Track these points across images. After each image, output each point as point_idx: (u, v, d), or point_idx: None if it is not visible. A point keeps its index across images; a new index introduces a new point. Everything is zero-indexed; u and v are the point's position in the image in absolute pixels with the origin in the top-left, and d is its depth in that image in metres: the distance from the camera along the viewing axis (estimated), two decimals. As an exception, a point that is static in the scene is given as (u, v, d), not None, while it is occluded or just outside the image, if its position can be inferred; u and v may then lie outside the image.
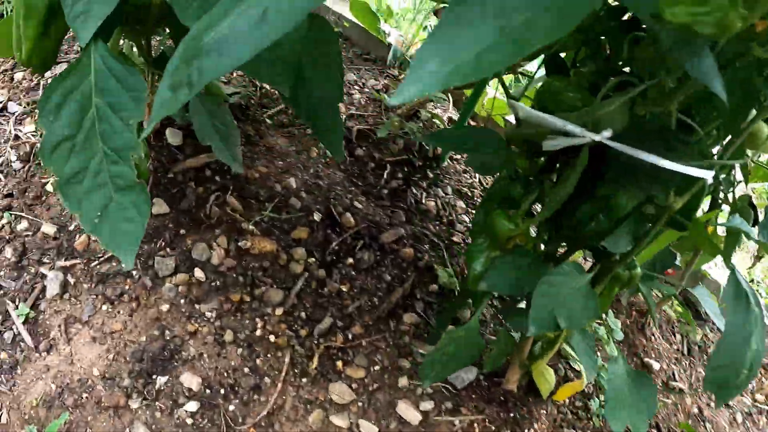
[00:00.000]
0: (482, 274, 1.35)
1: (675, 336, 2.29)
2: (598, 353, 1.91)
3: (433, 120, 2.34)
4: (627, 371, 1.41)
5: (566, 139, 1.11)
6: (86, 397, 1.53)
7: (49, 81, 1.19)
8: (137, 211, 1.12)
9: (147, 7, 1.45)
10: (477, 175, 2.35)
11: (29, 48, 1.41)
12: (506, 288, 1.36)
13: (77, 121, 1.13)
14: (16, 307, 1.66)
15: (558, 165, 1.44)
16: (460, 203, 2.22)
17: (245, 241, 1.75)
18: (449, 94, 2.41)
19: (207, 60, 0.69)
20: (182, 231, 1.76)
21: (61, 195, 1.12)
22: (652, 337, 2.19)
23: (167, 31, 1.82)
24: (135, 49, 1.73)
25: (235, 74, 2.23)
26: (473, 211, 2.22)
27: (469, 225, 2.15)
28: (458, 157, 2.36)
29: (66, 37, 1.47)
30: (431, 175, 2.21)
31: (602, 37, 1.32)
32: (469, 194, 2.28)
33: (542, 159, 1.44)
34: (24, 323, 1.63)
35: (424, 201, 2.13)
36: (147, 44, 1.69)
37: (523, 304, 1.61)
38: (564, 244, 1.48)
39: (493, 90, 2.32)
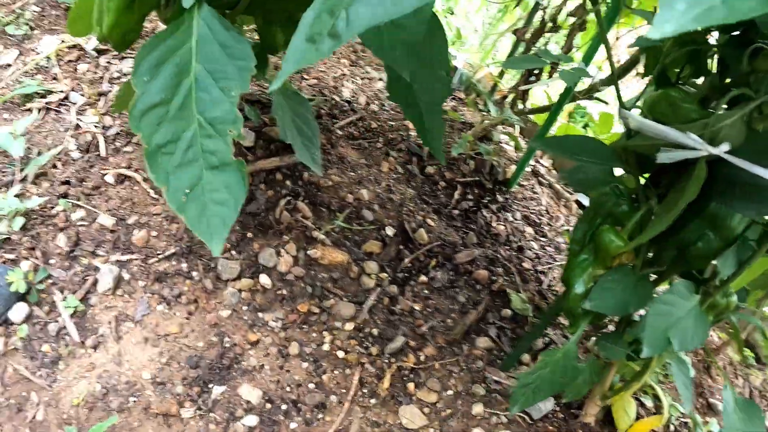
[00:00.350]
0: (586, 293, 1.26)
1: (737, 378, 2.14)
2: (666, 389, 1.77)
3: (504, 145, 2.24)
4: (736, 400, 1.28)
5: (682, 152, 1.03)
6: (134, 402, 1.40)
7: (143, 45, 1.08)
8: (230, 194, 1.01)
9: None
10: (544, 202, 2.24)
11: (111, 22, 1.32)
12: (611, 308, 1.25)
13: (174, 85, 1.02)
14: (64, 299, 1.54)
15: (662, 181, 1.34)
16: (529, 230, 2.10)
17: (315, 250, 1.63)
18: (521, 117, 2.32)
19: (353, 9, 0.68)
20: (249, 234, 1.64)
21: (147, 165, 1.00)
22: (717, 378, 2.04)
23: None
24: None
25: (305, 83, 2.14)
26: (542, 239, 2.11)
27: (539, 252, 2.03)
28: (525, 182, 2.25)
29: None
30: (500, 199, 2.10)
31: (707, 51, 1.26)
32: (537, 221, 2.16)
33: (646, 174, 1.35)
34: (71, 316, 1.51)
35: (494, 224, 2.01)
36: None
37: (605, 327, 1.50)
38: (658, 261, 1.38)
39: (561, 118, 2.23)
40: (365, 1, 0.68)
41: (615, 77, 1.29)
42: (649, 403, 1.74)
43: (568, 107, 2.16)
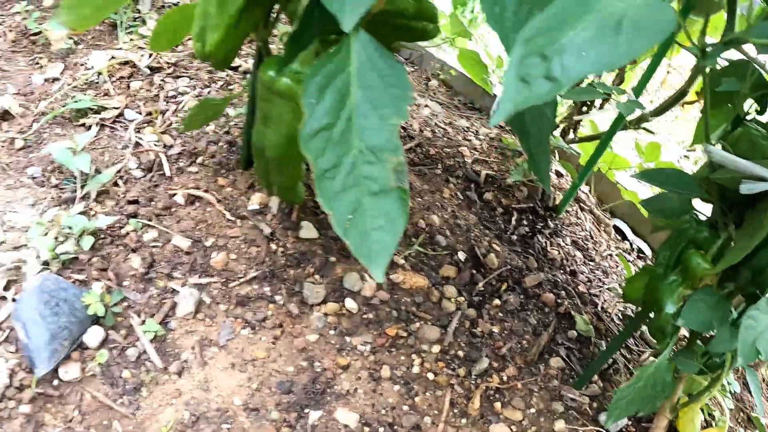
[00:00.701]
0: (677, 312, 1.38)
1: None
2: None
3: (556, 171, 2.29)
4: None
5: (763, 184, 1.14)
6: (228, 429, 1.37)
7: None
8: (389, 221, 1.01)
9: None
10: (587, 228, 2.28)
11: (218, 38, 1.32)
12: (700, 325, 1.35)
13: (336, 109, 1.03)
14: (143, 322, 1.51)
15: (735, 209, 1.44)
16: (579, 254, 2.14)
17: (397, 274, 1.64)
18: (572, 145, 2.36)
19: (569, 58, 0.74)
20: (332, 258, 1.64)
21: (317, 188, 1.00)
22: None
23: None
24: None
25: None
26: (590, 263, 2.15)
27: (590, 276, 2.07)
28: (569, 209, 2.30)
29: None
30: (552, 225, 2.13)
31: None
32: (584, 246, 2.20)
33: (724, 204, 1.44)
34: (152, 341, 1.48)
35: (549, 249, 2.04)
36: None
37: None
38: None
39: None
40: (575, 55, 0.74)
41: (707, 114, 1.35)
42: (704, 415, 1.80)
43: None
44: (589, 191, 2.43)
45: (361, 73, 1.04)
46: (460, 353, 1.58)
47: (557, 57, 0.74)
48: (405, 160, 1.43)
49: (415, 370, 1.52)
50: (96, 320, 1.49)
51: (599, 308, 1.94)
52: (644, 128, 2.07)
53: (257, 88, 1.39)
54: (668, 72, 2.01)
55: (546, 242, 2.06)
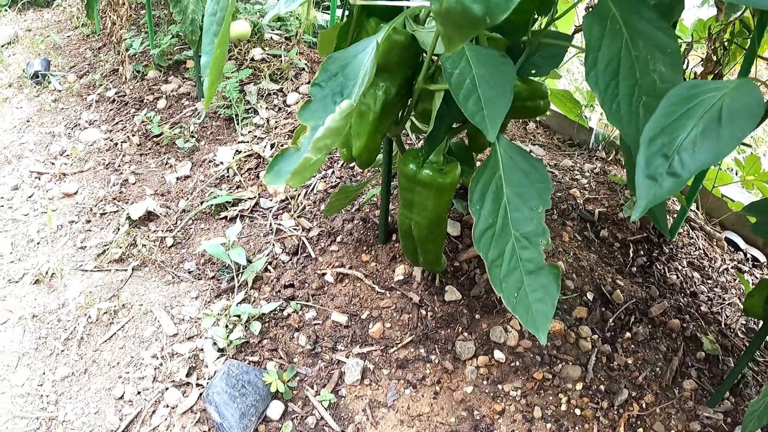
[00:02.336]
0: None
1: None
2: None
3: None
4: None
5: None
6: (406, 481, 1.66)
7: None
8: (546, 293, 1.25)
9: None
10: (700, 245, 2.47)
11: (361, 145, 1.60)
12: None
13: (495, 210, 1.27)
14: (317, 393, 1.77)
15: None
16: (696, 274, 2.32)
17: (536, 321, 1.89)
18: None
19: (686, 154, 0.93)
20: (477, 316, 1.89)
21: (489, 277, 1.26)
22: None
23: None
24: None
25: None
26: (708, 281, 2.34)
27: (709, 295, 2.26)
28: (680, 231, 2.49)
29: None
30: (666, 250, 2.33)
31: None
32: (700, 265, 2.38)
33: None
34: (327, 408, 1.75)
35: (667, 275, 2.24)
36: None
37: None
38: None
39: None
40: (691, 149, 0.92)
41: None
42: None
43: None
44: (697, 208, 2.62)
45: (508, 176, 1.30)
46: (602, 387, 1.80)
47: (677, 155, 0.93)
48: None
49: (563, 407, 1.75)
50: (276, 396, 1.77)
51: (723, 325, 2.12)
52: (743, 143, 2.26)
53: (399, 179, 1.68)
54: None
55: (664, 268, 2.26)
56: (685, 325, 2.03)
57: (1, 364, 1.93)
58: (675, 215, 2.46)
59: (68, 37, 3.83)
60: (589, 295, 2.01)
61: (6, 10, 4.17)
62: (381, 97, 1.53)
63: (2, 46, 3.68)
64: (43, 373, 1.89)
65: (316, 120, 1.09)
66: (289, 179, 1.06)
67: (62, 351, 1.96)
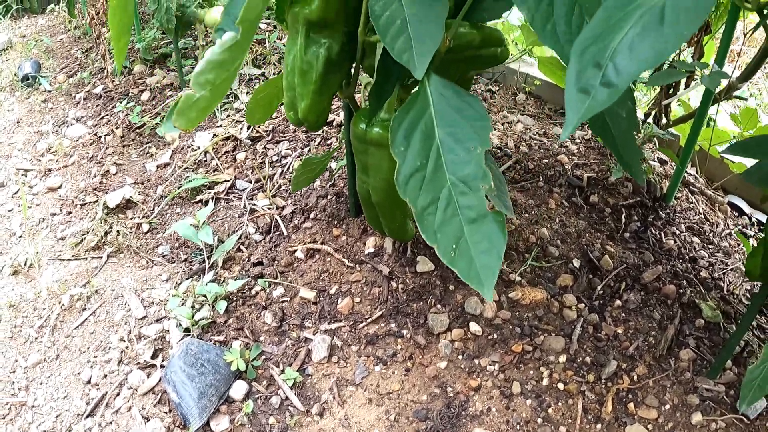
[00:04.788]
0: None
1: None
2: None
3: (652, 162, 2.31)
4: None
5: None
6: (373, 461, 1.50)
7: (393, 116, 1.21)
8: (491, 243, 1.10)
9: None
10: (701, 210, 2.28)
11: (306, 106, 1.47)
12: None
13: (425, 151, 1.13)
14: (282, 372, 1.65)
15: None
16: (696, 239, 2.14)
17: (515, 291, 1.72)
18: (667, 130, 2.37)
19: (621, 60, 0.77)
20: (450, 287, 1.74)
21: (419, 227, 1.11)
22: None
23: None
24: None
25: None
26: (710, 246, 2.14)
27: (710, 260, 2.06)
28: (679, 195, 2.30)
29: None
30: (663, 215, 2.15)
31: None
32: (701, 230, 2.19)
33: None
34: (291, 387, 1.62)
35: (664, 240, 2.06)
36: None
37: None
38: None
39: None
40: (626, 55, 0.77)
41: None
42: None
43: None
44: (697, 172, 2.42)
45: (441, 113, 1.15)
46: (587, 359, 1.63)
47: (610, 62, 0.78)
48: (504, 179, 1.54)
49: (545, 382, 1.58)
50: (239, 375, 1.65)
51: (725, 291, 1.93)
52: (737, 96, 2.05)
53: (352, 141, 1.54)
54: (752, 31, 1.98)
55: (660, 234, 2.07)
56: (681, 291, 1.86)
57: (-22, 353, 1.84)
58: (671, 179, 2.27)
59: (60, 40, 3.77)
60: (576, 262, 1.85)
61: (1, 19, 4.13)
62: (323, 54, 1.41)
63: (-4, 53, 3.64)
64: (16, 361, 1.82)
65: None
66: (174, 120, 0.92)
67: (36, 338, 1.89)
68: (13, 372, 1.78)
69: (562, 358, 1.63)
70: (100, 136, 2.72)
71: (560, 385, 1.58)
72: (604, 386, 1.60)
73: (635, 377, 1.63)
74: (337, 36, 1.42)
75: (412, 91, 1.21)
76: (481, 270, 1.09)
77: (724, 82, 2.08)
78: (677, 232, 2.13)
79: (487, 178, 1.12)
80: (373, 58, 1.46)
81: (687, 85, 2.20)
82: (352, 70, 1.55)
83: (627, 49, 0.78)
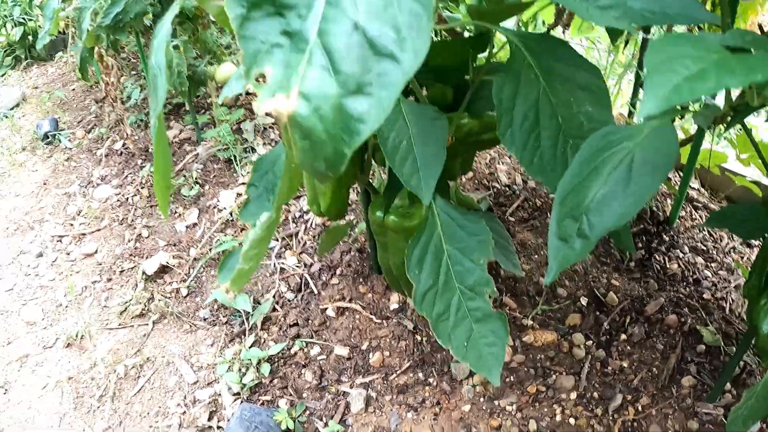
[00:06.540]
0: None
1: None
2: None
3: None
4: None
5: None
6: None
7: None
8: (496, 337, 1.43)
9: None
10: (706, 229, 2.61)
11: (328, 202, 1.83)
12: None
13: (436, 269, 1.46)
14: (326, 425, 2.01)
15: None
16: (699, 259, 2.47)
17: (528, 336, 2.09)
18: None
19: (593, 218, 0.96)
20: (468, 335, 2.12)
21: (434, 332, 1.45)
22: None
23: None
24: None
25: (464, 178, 2.63)
26: (713, 264, 2.48)
27: (714, 280, 2.40)
28: (683, 214, 2.64)
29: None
30: (667, 238, 2.49)
31: None
32: (704, 249, 2.53)
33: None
34: (336, 439, 2.01)
35: (668, 265, 2.40)
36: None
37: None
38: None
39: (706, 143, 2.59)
40: (597, 213, 0.97)
41: None
42: None
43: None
44: (700, 188, 2.76)
45: (447, 232, 1.50)
46: (596, 394, 1.99)
47: (584, 217, 0.96)
48: (510, 239, 1.89)
49: (558, 418, 1.94)
50: (288, 431, 2.05)
51: (727, 311, 2.28)
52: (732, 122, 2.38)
53: (371, 225, 1.90)
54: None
55: (663, 258, 2.42)
56: (683, 319, 2.19)
57: (46, 425, 2.22)
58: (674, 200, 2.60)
59: (73, 90, 4.16)
60: (583, 300, 2.20)
61: (10, 71, 4.52)
62: None
63: (11, 109, 4.03)
64: (83, 430, 2.18)
65: (254, 219, 1.31)
66: (230, 286, 1.29)
67: (98, 407, 2.25)
68: (83, 440, 2.17)
69: (573, 395, 1.99)
70: (128, 198, 3.11)
71: (572, 420, 1.95)
72: (611, 418, 1.95)
73: (639, 408, 1.98)
74: (350, 138, 1.77)
75: (421, 212, 1.56)
76: (488, 359, 1.44)
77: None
78: (681, 255, 2.47)
79: (490, 284, 1.46)
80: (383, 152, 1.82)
81: (681, 117, 2.53)
82: (366, 157, 1.89)
83: (598, 207, 0.95)
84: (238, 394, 2.15)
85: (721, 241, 2.59)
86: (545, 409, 1.97)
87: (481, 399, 2.01)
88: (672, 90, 0.74)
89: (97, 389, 2.31)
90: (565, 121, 1.27)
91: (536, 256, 2.32)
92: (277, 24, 0.77)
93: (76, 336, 2.52)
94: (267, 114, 1.65)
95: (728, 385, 2.01)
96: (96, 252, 2.91)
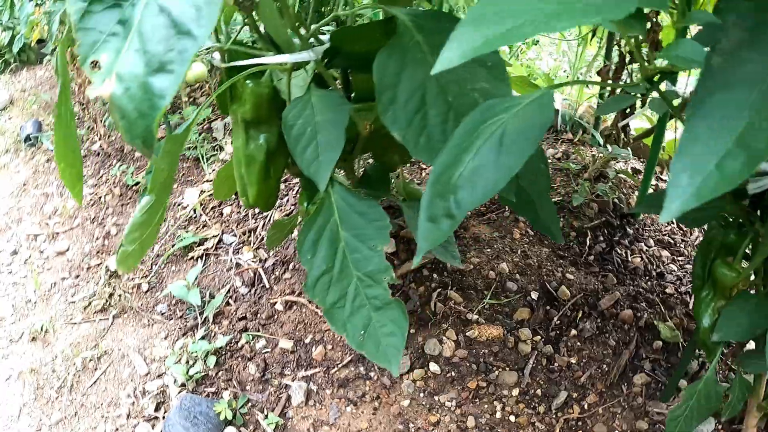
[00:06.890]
0: (712, 326, 1.54)
1: None
2: None
3: (620, 175, 2.60)
4: None
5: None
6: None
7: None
8: (396, 326, 1.42)
9: (355, 140, 1.84)
10: (674, 221, 2.56)
11: (255, 192, 1.84)
12: (739, 335, 1.47)
13: (331, 254, 1.46)
14: (266, 417, 2.03)
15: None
16: (665, 252, 2.43)
17: (472, 330, 2.07)
18: (629, 148, 2.66)
19: (462, 193, 0.91)
20: (412, 330, 2.09)
21: (328, 320, 1.44)
22: None
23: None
24: (342, 173, 2.14)
25: (424, 173, 2.63)
26: (680, 258, 2.43)
27: (679, 274, 2.35)
28: (653, 209, 2.59)
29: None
30: (631, 231, 2.45)
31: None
32: (672, 242, 2.49)
33: (746, 201, 1.65)
34: (274, 431, 2.00)
35: (630, 258, 2.36)
36: (350, 167, 2.10)
37: (751, 345, 1.78)
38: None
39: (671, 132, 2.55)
40: (467, 188, 0.91)
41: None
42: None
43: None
44: (662, 173, 2.70)
45: (345, 218, 1.48)
46: (539, 391, 1.96)
47: (452, 195, 0.90)
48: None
49: (498, 415, 1.92)
50: (229, 422, 2.04)
51: (690, 307, 2.23)
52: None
53: (301, 214, 1.91)
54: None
55: (626, 252, 2.38)
56: (639, 314, 2.15)
57: (7, 414, 2.31)
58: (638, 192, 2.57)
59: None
60: (534, 295, 2.17)
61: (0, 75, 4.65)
62: (263, 147, 1.75)
63: (-1, 112, 4.14)
64: (40, 420, 2.26)
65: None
66: (117, 266, 1.31)
67: (56, 398, 2.32)
68: (39, 430, 2.22)
69: (515, 392, 1.97)
70: (101, 197, 3.17)
71: (512, 418, 1.93)
72: (554, 416, 1.93)
73: (585, 406, 1.95)
74: (274, 129, 1.76)
75: (318, 198, 1.56)
76: (387, 350, 1.43)
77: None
78: (645, 248, 2.43)
79: (388, 271, 1.45)
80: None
81: (643, 103, 2.49)
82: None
83: (467, 182, 0.90)
84: (184, 385, 2.18)
85: (690, 234, 2.54)
86: (485, 406, 1.95)
87: (421, 394, 2.00)
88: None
89: (56, 381, 2.38)
90: (456, 98, 1.24)
91: (488, 250, 2.30)
92: (116, 14, 0.86)
93: (41, 330, 2.59)
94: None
95: (684, 383, 1.95)
96: (67, 250, 2.97)
